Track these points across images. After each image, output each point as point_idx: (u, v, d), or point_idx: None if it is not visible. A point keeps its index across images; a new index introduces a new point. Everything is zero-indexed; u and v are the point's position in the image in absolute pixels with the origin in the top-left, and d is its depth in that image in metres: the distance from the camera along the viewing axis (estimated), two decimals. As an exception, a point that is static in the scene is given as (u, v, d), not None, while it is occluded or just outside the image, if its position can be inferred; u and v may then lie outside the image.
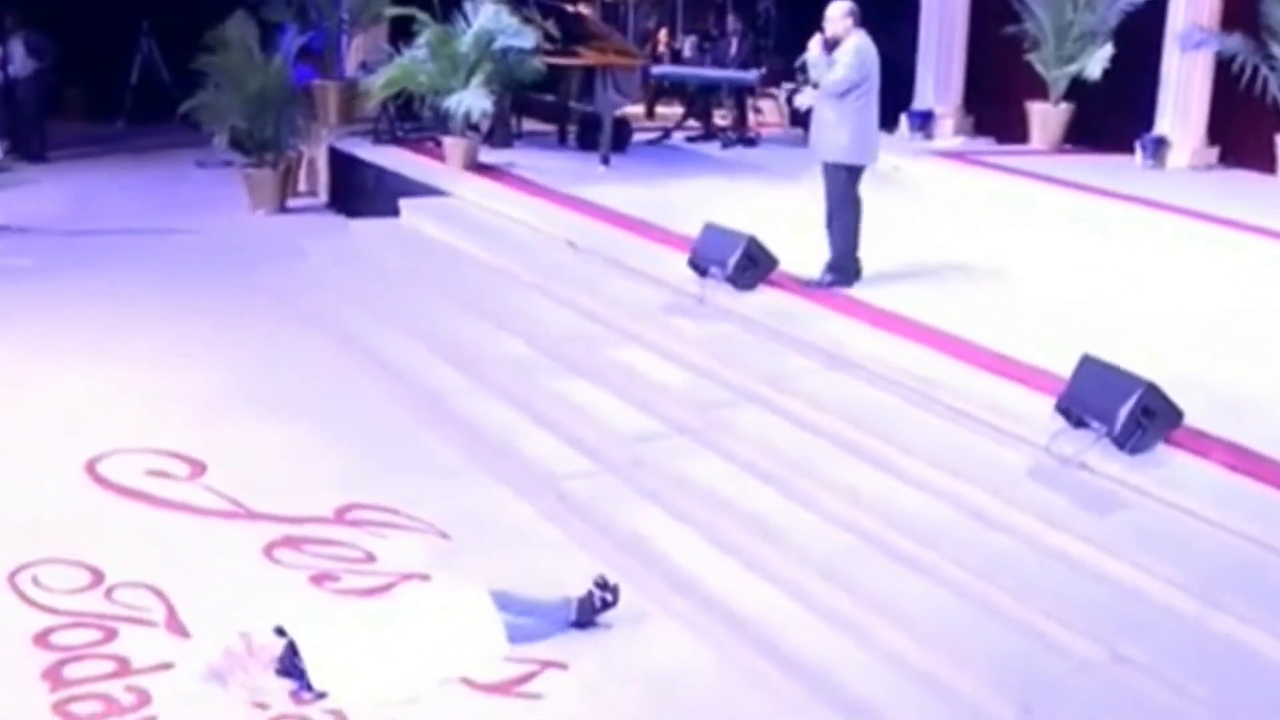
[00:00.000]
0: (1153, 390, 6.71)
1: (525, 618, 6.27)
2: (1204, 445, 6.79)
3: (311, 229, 14.05)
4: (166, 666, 6.01)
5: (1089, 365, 7.00)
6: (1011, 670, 5.75)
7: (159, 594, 6.62)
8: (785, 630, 6.23)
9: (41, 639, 6.23)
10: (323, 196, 15.85)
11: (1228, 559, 6.04)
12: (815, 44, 9.38)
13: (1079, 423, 6.92)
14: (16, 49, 17.54)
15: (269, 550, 7.16)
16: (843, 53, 9.22)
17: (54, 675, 5.94)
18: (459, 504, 7.71)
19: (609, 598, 6.42)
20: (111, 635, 6.27)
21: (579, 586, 6.48)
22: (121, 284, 12.03)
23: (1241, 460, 6.64)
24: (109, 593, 6.67)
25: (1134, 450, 6.71)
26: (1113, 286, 10.03)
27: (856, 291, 9.45)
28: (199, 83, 15.54)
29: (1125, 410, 6.65)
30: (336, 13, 16.13)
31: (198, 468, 8.15)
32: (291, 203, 15.40)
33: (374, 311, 10.70)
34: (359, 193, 14.50)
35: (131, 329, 10.83)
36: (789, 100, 15.49)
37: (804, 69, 9.72)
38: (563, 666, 6.12)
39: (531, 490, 7.82)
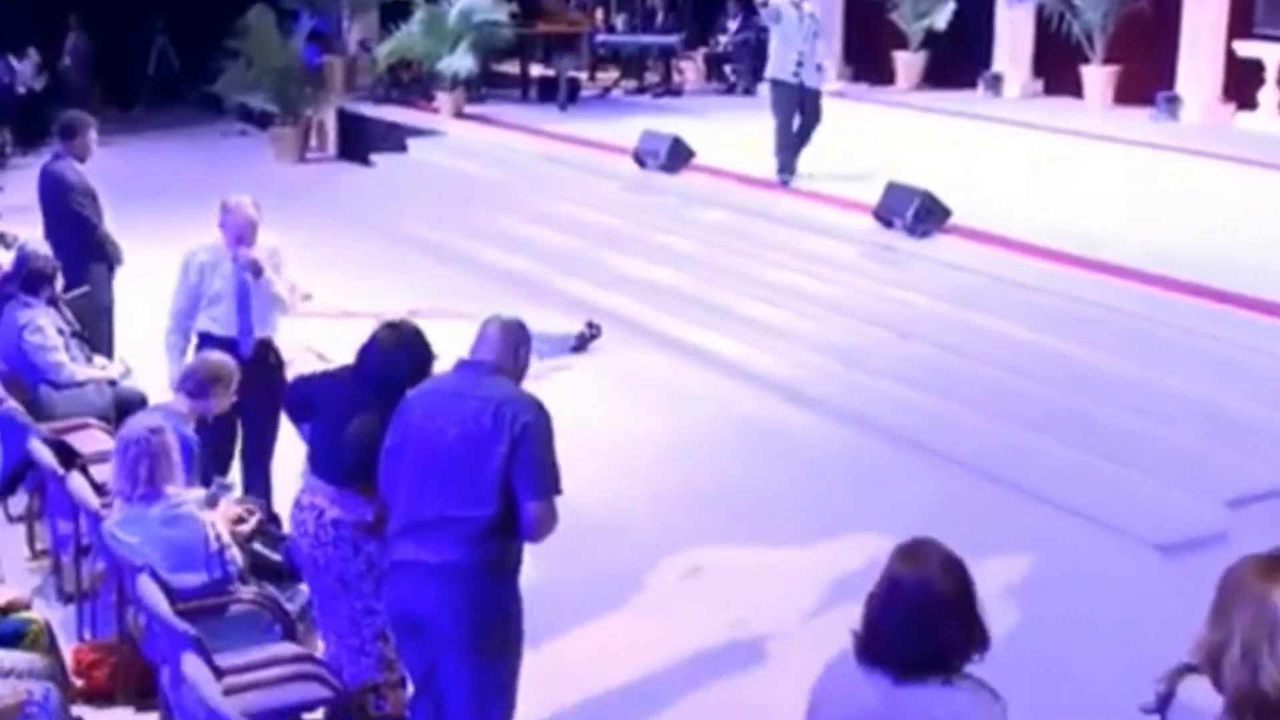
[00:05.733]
0: (929, 196, 10.71)
1: (542, 343, 10.13)
2: (964, 231, 10.78)
3: (334, 171, 17.89)
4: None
5: (891, 186, 11.00)
6: (848, 353, 9.75)
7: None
8: (720, 348, 10.19)
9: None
10: (331, 151, 19.52)
11: (969, 286, 10.02)
12: None
13: (887, 223, 10.89)
14: (69, 45, 21.18)
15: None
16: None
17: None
18: (502, 310, 11.46)
19: (595, 332, 10.37)
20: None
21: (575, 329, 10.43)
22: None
23: (984, 238, 10.63)
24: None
25: (921, 235, 10.68)
26: (948, 165, 13.80)
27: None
28: (210, 70, 19.39)
29: (912, 210, 10.63)
30: (339, 1, 19.91)
31: (307, 298, 11.95)
32: (307, 156, 19.12)
33: (413, 214, 14.48)
34: (368, 142, 18.17)
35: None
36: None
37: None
38: (569, 368, 10.03)
39: (538, 297, 11.69)
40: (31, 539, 7.07)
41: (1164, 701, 3.10)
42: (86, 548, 6.08)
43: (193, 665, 4.35)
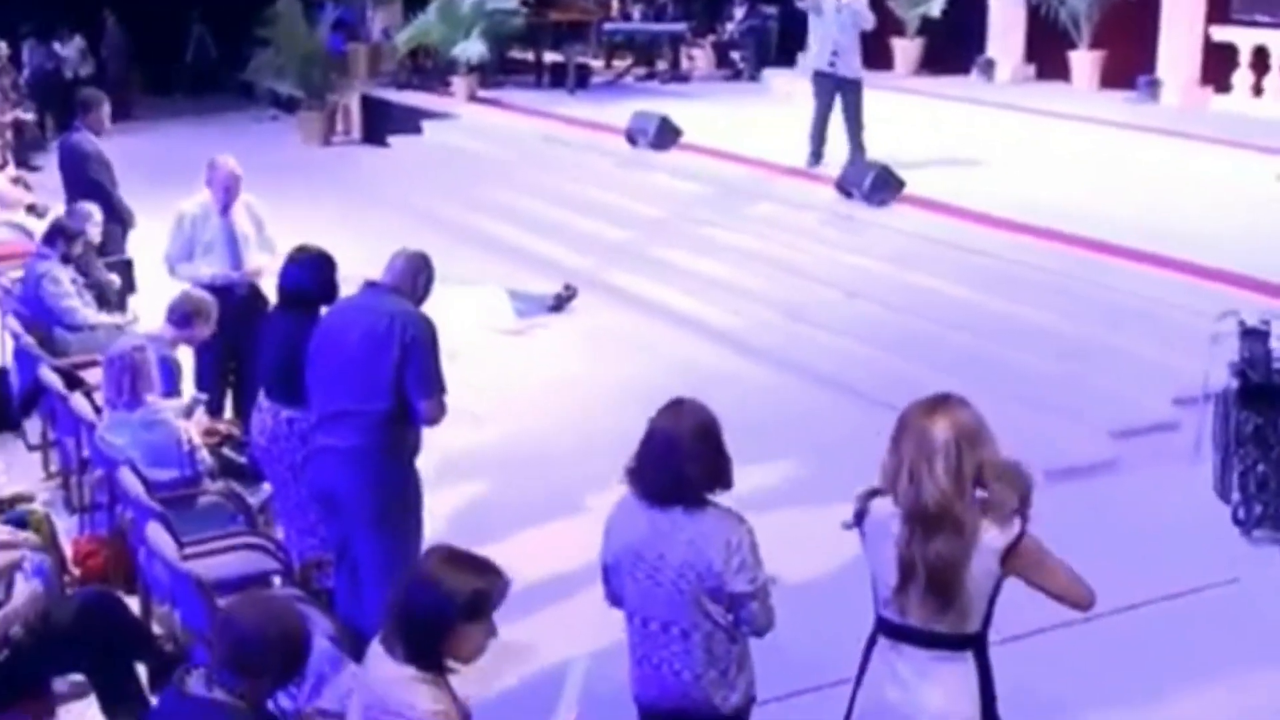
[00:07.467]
0: (885, 169, 11.53)
1: (524, 304, 11.07)
2: (919, 201, 11.60)
3: (355, 153, 18.86)
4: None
5: (852, 159, 11.82)
6: (791, 307, 10.57)
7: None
8: (685, 307, 11.03)
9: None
10: (356, 134, 20.47)
11: (911, 249, 10.85)
12: None
13: (848, 194, 11.72)
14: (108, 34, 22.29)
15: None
16: (861, 4, 13.04)
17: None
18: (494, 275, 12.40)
19: (571, 293, 11.26)
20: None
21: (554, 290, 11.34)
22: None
23: (935, 207, 11.46)
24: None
25: (878, 204, 11.50)
26: (932, 145, 14.53)
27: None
28: (245, 57, 20.40)
29: (868, 180, 11.45)
30: (363, -8, 20.96)
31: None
32: (333, 139, 20.09)
33: (424, 190, 15.40)
34: (390, 124, 19.11)
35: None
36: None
37: None
38: (547, 326, 10.94)
39: (526, 263, 12.60)
40: (46, 462, 8.05)
41: (860, 517, 3.97)
42: (87, 461, 7.02)
43: (155, 532, 5.26)
